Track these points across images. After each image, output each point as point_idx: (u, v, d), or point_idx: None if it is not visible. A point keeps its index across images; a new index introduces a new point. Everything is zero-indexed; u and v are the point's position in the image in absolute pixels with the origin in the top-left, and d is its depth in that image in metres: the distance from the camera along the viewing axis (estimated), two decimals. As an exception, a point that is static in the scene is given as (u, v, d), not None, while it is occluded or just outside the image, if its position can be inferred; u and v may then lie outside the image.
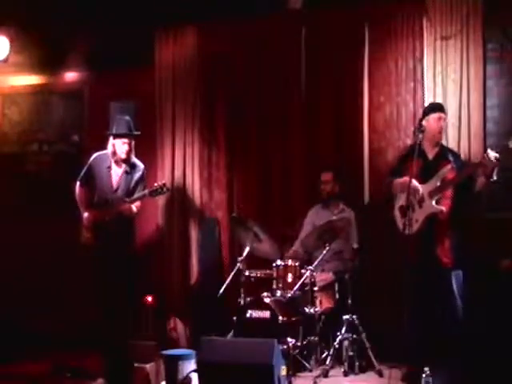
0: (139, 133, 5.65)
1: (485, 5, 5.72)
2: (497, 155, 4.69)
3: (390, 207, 5.22)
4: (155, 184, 5.53)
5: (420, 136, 4.92)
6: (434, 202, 4.95)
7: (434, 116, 5.11)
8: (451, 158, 5.04)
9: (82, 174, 5.70)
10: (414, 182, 4.96)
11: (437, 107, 5.22)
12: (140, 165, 5.67)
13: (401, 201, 5.09)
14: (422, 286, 4.90)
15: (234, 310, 5.59)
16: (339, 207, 6.02)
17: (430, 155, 5.13)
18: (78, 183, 5.71)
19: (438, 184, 4.95)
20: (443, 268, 4.92)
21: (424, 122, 5.09)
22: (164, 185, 5.50)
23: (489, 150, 4.77)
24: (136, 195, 5.49)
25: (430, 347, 4.79)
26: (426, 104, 5.83)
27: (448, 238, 4.96)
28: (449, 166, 4.96)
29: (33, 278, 6.82)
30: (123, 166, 5.59)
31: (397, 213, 5.15)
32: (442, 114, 5.16)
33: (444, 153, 5.12)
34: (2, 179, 7.25)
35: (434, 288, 4.89)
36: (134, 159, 5.66)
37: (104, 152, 5.66)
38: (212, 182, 6.63)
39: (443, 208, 4.93)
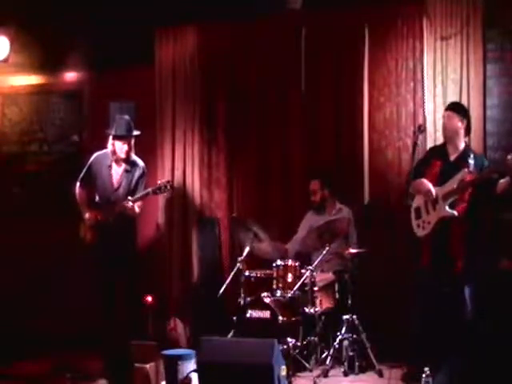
0: (139, 133, 5.65)
1: (485, 5, 5.72)
2: None
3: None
4: (158, 182, 5.54)
5: (420, 136, 4.91)
6: (447, 206, 4.87)
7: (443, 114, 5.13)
8: (471, 161, 4.93)
9: (82, 174, 5.71)
10: (429, 184, 4.94)
11: (447, 106, 5.21)
12: (140, 163, 5.68)
13: (416, 202, 5.08)
14: (432, 288, 4.88)
15: (234, 310, 5.59)
16: (336, 207, 6.02)
17: (452, 157, 5.06)
18: (77, 184, 5.72)
19: (455, 186, 4.86)
20: (455, 273, 4.85)
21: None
22: (168, 182, 5.51)
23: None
24: (139, 194, 5.49)
25: (436, 348, 4.77)
26: (426, 104, 5.89)
27: (462, 243, 4.88)
28: (466, 170, 4.86)
29: (33, 278, 6.81)
30: (123, 164, 5.60)
31: (412, 214, 5.13)
32: (447, 112, 5.09)
33: (465, 155, 5.01)
34: (2, 179, 7.24)
35: (444, 292, 4.85)
36: (134, 157, 5.66)
37: (104, 151, 5.66)
38: (212, 182, 6.63)
39: (455, 212, 4.85)
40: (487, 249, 5.13)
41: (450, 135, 5.07)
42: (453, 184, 4.88)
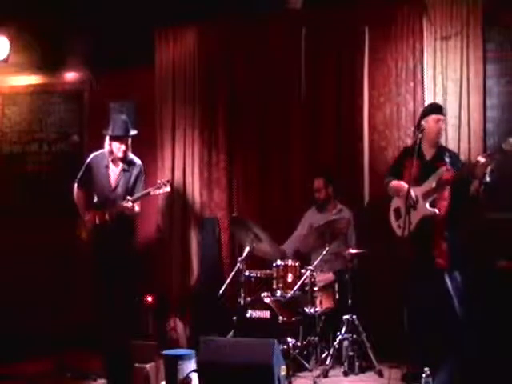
0: (136, 132, 5.64)
1: (485, 5, 5.73)
2: (487, 156, 4.68)
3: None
4: (158, 181, 5.54)
5: (420, 136, 4.91)
6: (427, 204, 4.93)
7: (432, 117, 5.08)
8: (447, 159, 5.01)
9: (79, 175, 5.70)
10: (406, 187, 4.93)
11: (435, 109, 5.18)
12: (137, 161, 5.68)
13: (395, 203, 5.11)
14: (418, 286, 4.89)
15: (234, 310, 5.59)
16: (337, 208, 6.02)
17: (428, 156, 5.11)
18: (75, 185, 5.72)
19: (434, 185, 4.92)
20: (438, 269, 4.90)
21: (423, 123, 5.06)
22: (168, 181, 5.51)
23: (479, 157, 4.75)
24: (139, 194, 5.48)
25: (429, 347, 4.79)
26: (426, 104, 5.84)
27: (444, 240, 4.94)
28: (444, 168, 4.93)
29: (33, 278, 6.82)
30: (121, 164, 5.59)
31: (391, 215, 5.16)
32: (441, 116, 5.13)
33: (441, 153, 5.09)
34: (2, 179, 7.25)
35: (430, 289, 4.88)
36: (131, 156, 5.65)
37: (101, 151, 5.66)
38: (212, 182, 6.63)
39: (436, 210, 4.91)
40: (470, 246, 5.15)
41: (440, 138, 5.15)
42: (431, 183, 4.93)
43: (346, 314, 5.42)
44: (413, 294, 4.84)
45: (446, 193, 4.95)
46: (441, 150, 5.13)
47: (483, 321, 4.86)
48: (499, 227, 5.51)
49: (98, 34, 6.54)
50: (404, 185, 5.00)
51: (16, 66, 6.99)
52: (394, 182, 5.14)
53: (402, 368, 5.06)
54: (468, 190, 4.85)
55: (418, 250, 4.93)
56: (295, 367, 5.23)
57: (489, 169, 4.70)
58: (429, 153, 5.12)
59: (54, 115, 7.27)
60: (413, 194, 4.93)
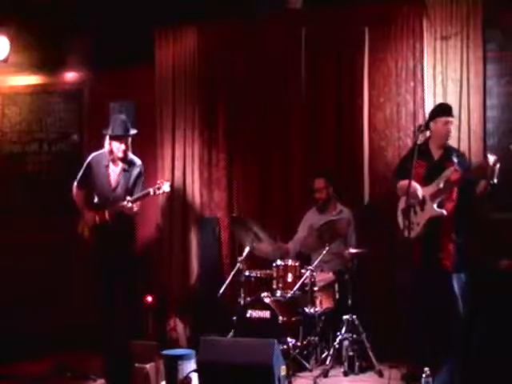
0: (136, 131, 5.64)
1: (485, 5, 5.73)
2: (495, 157, 4.68)
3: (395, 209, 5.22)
4: (158, 182, 5.53)
5: (420, 136, 4.90)
6: (435, 205, 4.90)
7: (441, 120, 5.03)
8: (455, 159, 4.98)
9: (79, 175, 5.69)
10: (415, 185, 4.93)
11: (445, 111, 5.10)
12: (137, 161, 5.66)
13: (403, 203, 5.09)
14: (424, 287, 4.88)
15: (234, 310, 5.59)
16: (337, 209, 6.02)
17: (436, 156, 5.08)
18: (74, 185, 5.70)
19: (441, 186, 4.90)
20: (445, 271, 4.89)
21: (431, 124, 5.04)
22: (167, 182, 5.50)
23: (489, 155, 4.75)
24: (138, 194, 5.48)
25: (432, 348, 4.78)
26: (426, 104, 5.86)
27: (452, 241, 4.90)
28: (452, 168, 4.91)
29: (33, 278, 6.82)
30: (121, 164, 5.59)
31: (399, 215, 5.14)
32: (450, 118, 5.06)
33: (449, 154, 5.05)
34: (2, 179, 7.25)
35: (436, 290, 4.87)
36: (131, 156, 5.65)
37: (101, 151, 5.65)
38: (212, 182, 6.63)
39: (444, 211, 4.89)
40: (477, 247, 5.13)
41: (448, 140, 5.11)
42: (439, 183, 4.91)
43: (345, 314, 5.43)
44: (416, 294, 4.85)
45: (454, 193, 4.92)
46: (448, 151, 5.08)
47: (486, 321, 4.86)
48: (503, 227, 5.50)
49: (97, 33, 6.54)
50: (412, 184, 4.97)
51: (16, 66, 6.99)
52: (402, 182, 5.11)
53: (401, 368, 5.07)
54: (474, 190, 4.84)
55: (425, 251, 4.91)
56: (295, 367, 5.23)
57: (497, 170, 4.69)
58: (437, 153, 5.08)
59: (54, 115, 7.27)
60: (420, 194, 4.92)
